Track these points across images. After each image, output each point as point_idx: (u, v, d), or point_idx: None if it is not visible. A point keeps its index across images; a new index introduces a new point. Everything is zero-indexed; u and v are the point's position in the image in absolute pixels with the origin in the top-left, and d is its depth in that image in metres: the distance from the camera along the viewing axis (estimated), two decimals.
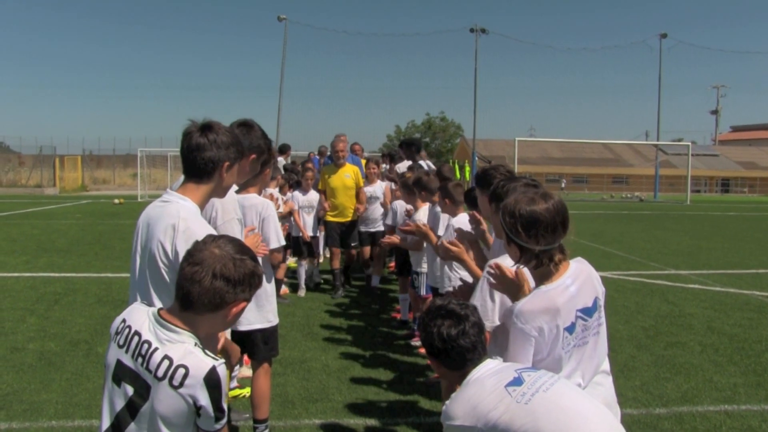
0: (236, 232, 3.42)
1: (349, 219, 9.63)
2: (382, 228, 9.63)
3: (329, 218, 9.63)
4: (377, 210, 9.91)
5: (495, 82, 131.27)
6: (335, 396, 5.48)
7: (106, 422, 2.16)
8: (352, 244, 9.84)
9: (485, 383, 2.39)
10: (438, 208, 5.99)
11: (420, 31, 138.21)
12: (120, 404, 2.12)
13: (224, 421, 2.11)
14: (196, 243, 2.14)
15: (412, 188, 6.76)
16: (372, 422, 4.98)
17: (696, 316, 8.53)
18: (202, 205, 2.87)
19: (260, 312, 4.24)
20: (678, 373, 6.20)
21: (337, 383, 5.79)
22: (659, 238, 18.24)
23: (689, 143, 49.59)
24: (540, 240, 2.58)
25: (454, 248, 3.79)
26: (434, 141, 66.04)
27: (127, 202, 28.60)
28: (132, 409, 2.09)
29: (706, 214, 29.37)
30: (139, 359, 2.08)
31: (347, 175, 9.54)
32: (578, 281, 2.66)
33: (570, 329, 2.60)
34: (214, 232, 2.53)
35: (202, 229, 2.63)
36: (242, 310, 2.15)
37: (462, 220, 5.36)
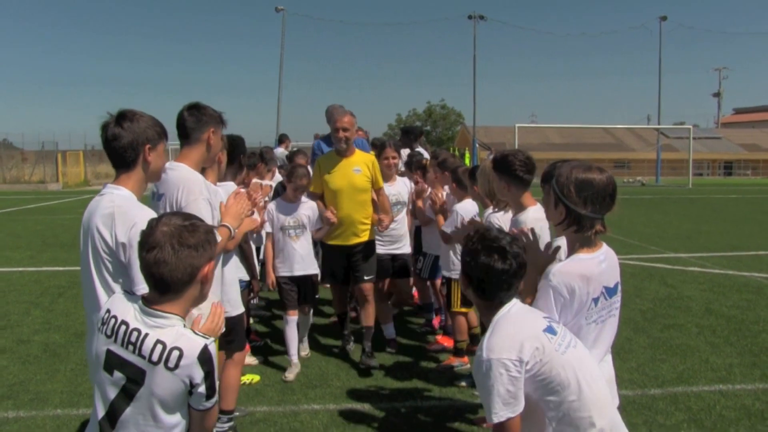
0: (202, 212, 3.37)
1: (361, 240, 5.97)
2: (407, 250, 6.67)
3: (328, 241, 6.02)
4: (402, 222, 6.63)
5: (495, 69, 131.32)
6: (334, 382, 5.57)
7: (101, 411, 2.24)
8: (366, 278, 6.01)
9: (524, 322, 2.49)
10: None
11: (418, 20, 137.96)
12: (113, 392, 2.19)
13: (214, 399, 2.20)
14: (143, 231, 2.20)
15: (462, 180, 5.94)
16: (371, 407, 5.06)
17: (694, 298, 8.60)
18: (137, 192, 2.94)
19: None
20: (674, 354, 6.27)
21: (336, 369, 5.88)
22: (659, 221, 18.28)
23: (690, 126, 49.62)
24: (588, 205, 2.70)
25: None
26: (435, 129, 66.09)
27: None
28: (127, 395, 2.16)
29: (708, 197, 29.38)
30: (130, 347, 2.15)
31: (357, 169, 5.87)
32: (608, 261, 2.80)
33: (596, 301, 2.72)
34: (153, 214, 2.58)
35: (139, 213, 2.72)
36: (212, 270, 2.24)
37: (467, 207, 5.42)
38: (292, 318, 5.90)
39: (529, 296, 2.82)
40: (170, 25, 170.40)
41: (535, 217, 3.74)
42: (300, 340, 6.13)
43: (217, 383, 2.20)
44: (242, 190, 4.39)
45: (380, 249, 6.33)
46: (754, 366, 5.92)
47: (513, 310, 2.53)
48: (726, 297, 8.63)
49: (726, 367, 5.88)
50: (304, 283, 5.97)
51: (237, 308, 4.20)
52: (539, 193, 3.06)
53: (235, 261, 4.40)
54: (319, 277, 6.19)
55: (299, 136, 41.44)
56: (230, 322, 4.02)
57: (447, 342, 6.41)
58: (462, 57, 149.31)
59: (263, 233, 5.86)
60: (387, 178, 6.45)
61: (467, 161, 32.74)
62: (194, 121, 3.63)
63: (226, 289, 4.03)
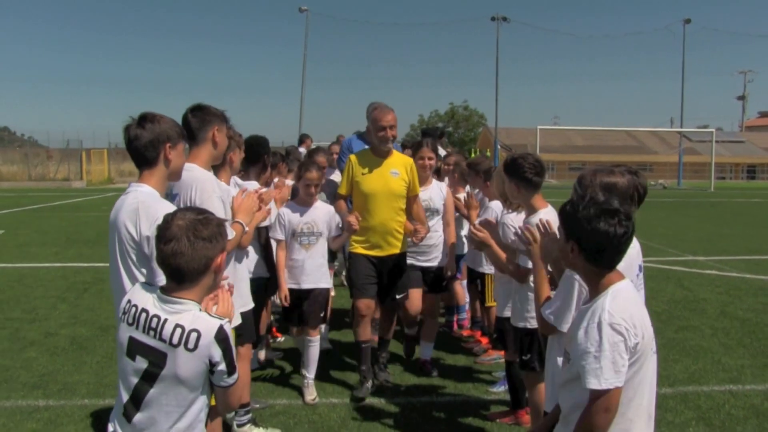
0: (216, 209, 3.49)
1: (393, 252, 5.40)
2: (440, 263, 5.88)
3: (358, 249, 5.38)
4: (435, 232, 5.84)
5: (518, 70, 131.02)
6: (352, 376, 5.71)
7: (125, 396, 2.40)
8: (398, 296, 5.52)
9: (642, 307, 2.53)
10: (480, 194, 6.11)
11: (441, 21, 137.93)
12: (136, 377, 2.35)
13: (236, 376, 2.36)
14: (159, 225, 2.36)
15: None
16: (386, 402, 5.20)
17: (709, 301, 8.64)
18: (160, 189, 3.11)
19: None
20: (687, 355, 6.35)
21: (354, 364, 6.00)
22: (679, 224, 18.23)
23: (713, 130, 49.16)
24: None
25: (479, 234, 4.06)
26: (457, 130, 66.01)
27: None
28: (150, 378, 2.32)
29: (729, 200, 29.17)
30: (151, 332, 2.31)
31: (394, 171, 5.32)
32: (636, 245, 2.97)
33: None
34: (174, 209, 2.71)
35: (162, 208, 2.87)
36: (224, 260, 2.41)
37: (497, 206, 5.44)
38: (298, 337, 5.52)
39: (544, 293, 2.92)
40: (194, 27, 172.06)
41: (545, 218, 3.85)
42: (306, 368, 5.32)
43: (236, 361, 2.36)
44: (264, 189, 4.56)
45: (409, 260, 5.66)
46: (765, 367, 5.99)
47: (631, 288, 2.54)
48: (741, 300, 8.66)
49: (737, 368, 5.95)
50: (310, 298, 5.25)
51: (247, 304, 4.30)
52: (551, 194, 3.18)
53: (249, 258, 4.54)
54: (332, 292, 5.77)
55: (321, 136, 41.65)
56: (240, 316, 4.06)
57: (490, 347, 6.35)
58: (485, 58, 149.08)
59: (273, 242, 5.23)
60: (421, 180, 5.68)
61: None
62: (198, 122, 3.74)
63: (238, 284, 4.10)
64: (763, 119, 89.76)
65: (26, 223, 17.79)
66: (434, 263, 5.85)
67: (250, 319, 4.39)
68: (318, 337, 5.35)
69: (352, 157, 5.47)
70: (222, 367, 2.30)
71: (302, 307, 5.26)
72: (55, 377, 5.66)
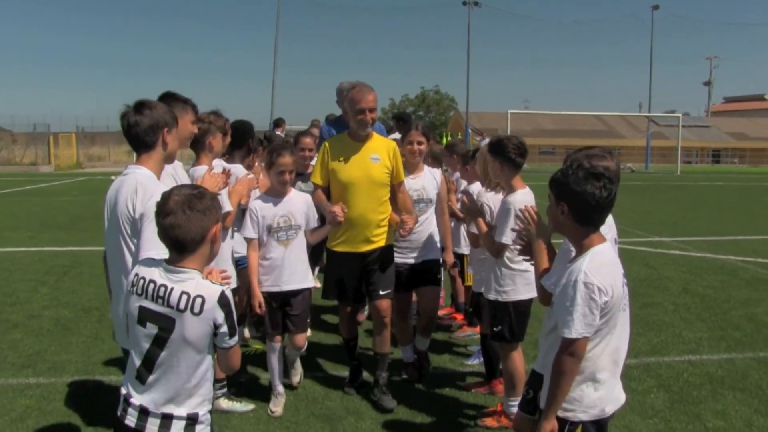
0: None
1: (376, 246, 4.89)
2: (433, 255, 5.33)
3: (336, 245, 4.93)
4: (428, 224, 5.30)
5: (489, 55, 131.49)
6: (337, 355, 5.92)
7: (137, 361, 2.61)
8: (382, 293, 4.93)
9: (616, 268, 2.78)
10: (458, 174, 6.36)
11: (413, 5, 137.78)
12: (148, 342, 2.57)
13: (237, 338, 2.60)
14: (159, 203, 2.58)
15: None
16: (368, 375, 5.41)
17: (672, 279, 9.04)
18: (156, 171, 3.32)
19: None
20: (650, 329, 6.70)
21: (337, 345, 6.22)
22: (646, 207, 18.73)
23: (679, 115, 50.14)
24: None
25: (473, 203, 4.39)
26: (428, 114, 66.28)
27: None
28: (160, 342, 2.54)
29: (695, 184, 29.90)
30: (159, 300, 2.53)
31: (375, 157, 4.82)
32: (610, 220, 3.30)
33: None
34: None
35: (157, 189, 3.05)
36: (219, 230, 2.62)
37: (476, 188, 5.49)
38: (277, 345, 4.82)
39: (543, 265, 3.16)
40: (163, 5, 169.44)
41: (522, 199, 4.12)
42: (291, 365, 5.15)
43: (236, 324, 2.59)
44: (250, 175, 4.77)
45: (397, 258, 5.12)
46: (721, 339, 6.37)
47: (609, 251, 2.80)
48: (702, 278, 9.08)
49: (696, 341, 6.32)
50: (295, 301, 4.76)
51: (231, 282, 4.36)
52: (529, 178, 3.43)
53: (234, 239, 4.73)
54: (317, 292, 5.28)
55: (294, 120, 41.61)
56: None
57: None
58: (456, 43, 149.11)
59: (243, 237, 4.74)
60: (411, 168, 5.22)
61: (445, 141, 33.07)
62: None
63: (222, 264, 4.15)
64: (728, 104, 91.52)
65: None
66: (428, 257, 5.27)
67: (234, 297, 4.56)
68: (305, 345, 5.00)
69: (327, 143, 4.98)
70: (224, 329, 2.53)
71: (285, 312, 4.76)
72: (43, 357, 5.80)
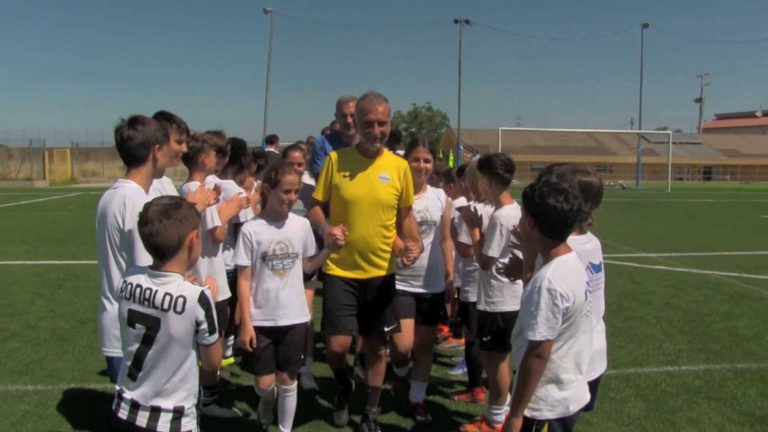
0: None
1: (378, 274, 4.47)
2: (438, 287, 4.92)
3: (334, 269, 4.47)
4: (432, 249, 4.88)
5: (481, 72, 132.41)
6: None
7: (128, 361, 2.84)
8: (386, 328, 4.54)
9: (579, 276, 2.98)
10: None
11: (405, 22, 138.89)
12: (137, 342, 2.80)
13: (216, 336, 2.84)
14: (140, 213, 2.82)
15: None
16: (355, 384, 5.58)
17: (657, 293, 9.24)
18: (145, 185, 3.52)
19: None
20: (632, 341, 6.89)
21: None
22: (634, 223, 18.99)
23: (670, 132, 50.66)
24: (588, 201, 3.36)
25: (472, 212, 4.55)
26: (420, 131, 66.74)
27: None
28: (148, 340, 2.77)
29: (684, 201, 30.25)
30: (145, 302, 2.76)
31: (384, 176, 4.40)
32: (592, 243, 3.48)
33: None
34: None
35: (145, 203, 3.19)
36: (197, 236, 2.85)
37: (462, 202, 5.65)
38: (266, 390, 4.32)
39: (529, 272, 3.33)
40: (158, 23, 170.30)
41: (509, 214, 4.32)
42: (281, 422, 4.40)
43: (216, 322, 2.82)
44: (242, 192, 4.98)
45: (400, 285, 4.72)
46: (700, 351, 6.57)
47: (574, 261, 2.98)
48: (686, 292, 9.29)
49: (675, 353, 6.51)
50: (290, 337, 4.25)
51: (223, 294, 4.65)
52: (514, 194, 3.65)
53: (221, 253, 4.84)
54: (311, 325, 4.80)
55: (286, 137, 41.97)
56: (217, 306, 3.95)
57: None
58: (448, 60, 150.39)
59: (234, 263, 4.31)
60: (415, 188, 4.69)
61: (451, 163, 33.43)
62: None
63: (214, 276, 4.43)
64: (719, 122, 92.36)
65: None
66: (431, 289, 4.85)
67: (225, 308, 4.77)
68: (295, 385, 4.42)
69: (333, 154, 4.52)
70: (205, 326, 2.78)
71: (278, 350, 4.25)
72: (41, 365, 5.96)
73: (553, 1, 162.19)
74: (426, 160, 4.91)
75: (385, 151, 4.53)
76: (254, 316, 4.20)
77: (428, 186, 5.06)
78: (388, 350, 4.80)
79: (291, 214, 4.34)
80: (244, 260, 4.19)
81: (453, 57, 67.02)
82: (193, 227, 2.82)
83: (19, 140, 45.11)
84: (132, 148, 3.46)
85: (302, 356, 4.39)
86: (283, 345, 4.25)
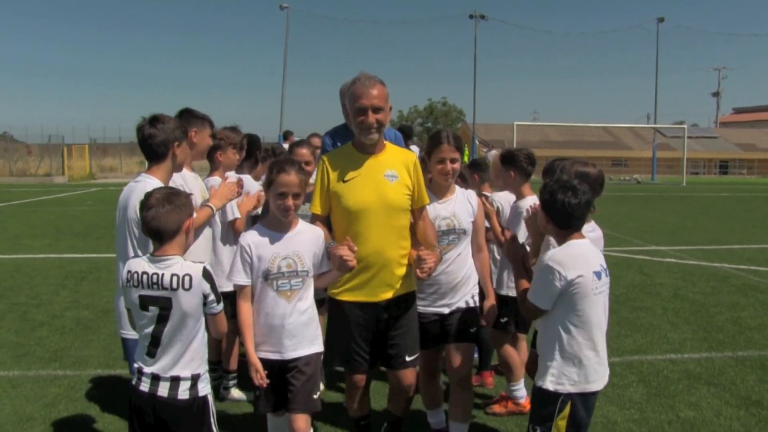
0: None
1: (396, 293, 3.75)
2: (467, 302, 4.06)
3: (342, 294, 3.74)
4: (461, 261, 4.06)
5: (496, 67, 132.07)
6: None
7: (145, 342, 3.10)
8: (408, 359, 3.83)
9: (586, 257, 3.20)
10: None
11: (420, 18, 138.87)
12: (152, 323, 3.06)
13: (221, 305, 3.11)
14: (142, 200, 3.09)
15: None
16: None
17: (665, 285, 9.40)
18: (165, 180, 3.75)
19: (225, 276, 3.89)
20: (637, 331, 7.07)
21: None
22: (647, 217, 19.09)
23: (685, 126, 50.51)
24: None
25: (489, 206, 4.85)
26: (436, 125, 66.88)
27: None
28: (162, 320, 3.04)
29: (699, 195, 30.18)
30: (155, 286, 3.02)
31: (391, 174, 3.70)
32: (595, 231, 3.75)
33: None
34: None
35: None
36: (192, 223, 3.13)
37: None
38: (276, 423, 3.76)
39: (534, 257, 3.56)
40: (175, 20, 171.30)
41: (530, 204, 4.54)
42: None
43: (219, 293, 3.09)
44: (259, 186, 5.20)
45: (421, 307, 3.97)
46: (704, 340, 6.75)
47: (585, 244, 3.27)
48: (694, 284, 9.44)
49: (680, 341, 6.69)
50: (300, 370, 3.52)
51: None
52: (536, 190, 3.86)
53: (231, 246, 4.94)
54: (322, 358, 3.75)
55: (302, 132, 42.15)
56: (225, 295, 3.52)
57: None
58: (463, 55, 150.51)
59: (234, 282, 3.53)
60: (440, 191, 4.05)
61: (466, 158, 33.51)
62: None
63: (224, 267, 4.55)
64: (737, 115, 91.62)
65: (14, 217, 18.21)
66: (461, 303, 4.04)
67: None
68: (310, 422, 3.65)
69: (326, 157, 3.80)
70: (212, 297, 3.06)
71: (285, 384, 3.53)
72: (68, 352, 6.26)
73: None
74: (453, 160, 3.96)
75: (387, 143, 3.82)
76: (258, 347, 3.50)
77: (456, 187, 4.18)
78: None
79: (301, 222, 3.61)
80: (242, 278, 3.49)
81: (468, 52, 67.24)
82: (189, 214, 3.10)
83: (38, 137, 45.51)
84: (153, 146, 3.74)
85: (315, 396, 3.57)
86: (291, 379, 3.50)
